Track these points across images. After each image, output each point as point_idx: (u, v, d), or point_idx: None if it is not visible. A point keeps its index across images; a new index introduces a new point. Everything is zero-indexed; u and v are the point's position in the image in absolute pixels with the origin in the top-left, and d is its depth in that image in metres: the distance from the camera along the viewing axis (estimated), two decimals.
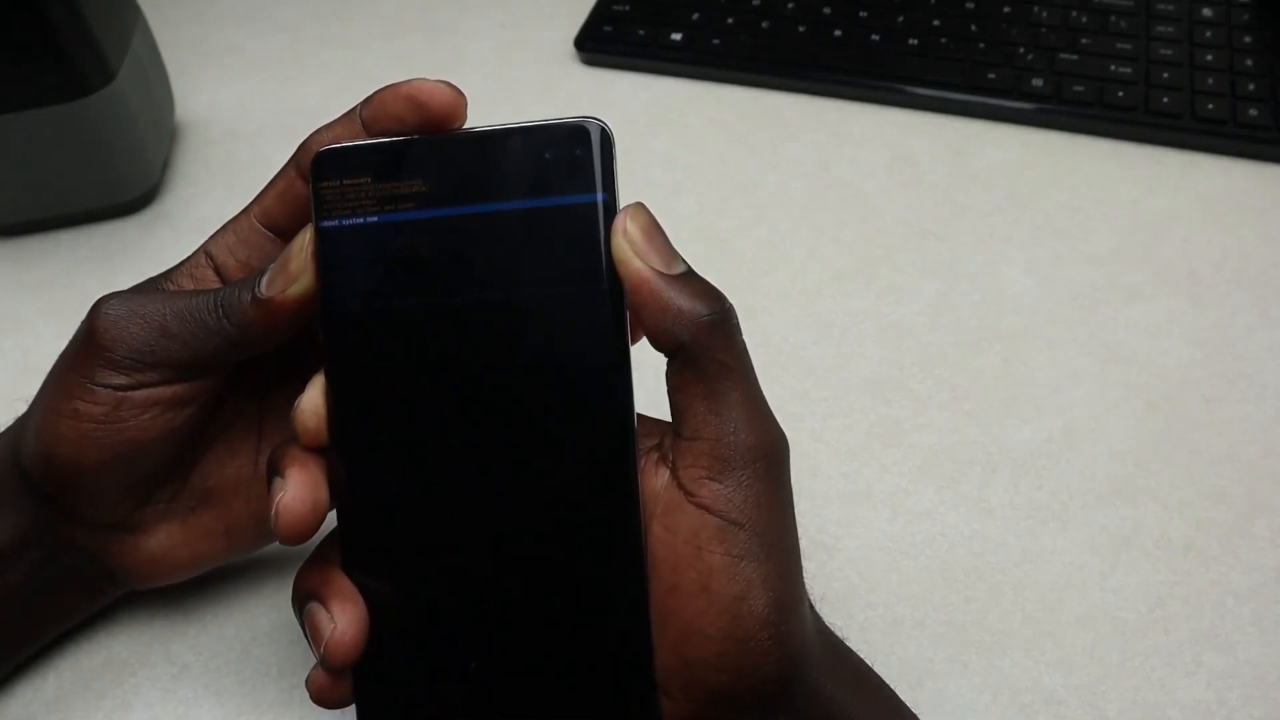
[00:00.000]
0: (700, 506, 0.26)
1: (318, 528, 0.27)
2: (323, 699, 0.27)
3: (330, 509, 0.27)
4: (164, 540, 0.31)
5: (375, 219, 0.26)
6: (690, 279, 0.27)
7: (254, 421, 0.32)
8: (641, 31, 0.58)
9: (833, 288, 0.47)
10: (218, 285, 0.30)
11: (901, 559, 0.38)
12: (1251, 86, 0.53)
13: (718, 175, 0.52)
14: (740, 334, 0.27)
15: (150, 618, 0.36)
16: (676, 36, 0.57)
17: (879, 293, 0.46)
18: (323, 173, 0.27)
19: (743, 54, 0.56)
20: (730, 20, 0.58)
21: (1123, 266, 0.47)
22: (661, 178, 0.52)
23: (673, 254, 0.27)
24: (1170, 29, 0.57)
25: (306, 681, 0.27)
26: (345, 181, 0.27)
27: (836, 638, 0.30)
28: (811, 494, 0.39)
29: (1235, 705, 0.34)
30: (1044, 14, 0.58)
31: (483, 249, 0.26)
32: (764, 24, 0.58)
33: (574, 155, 0.26)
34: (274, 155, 0.53)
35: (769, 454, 0.26)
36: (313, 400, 0.27)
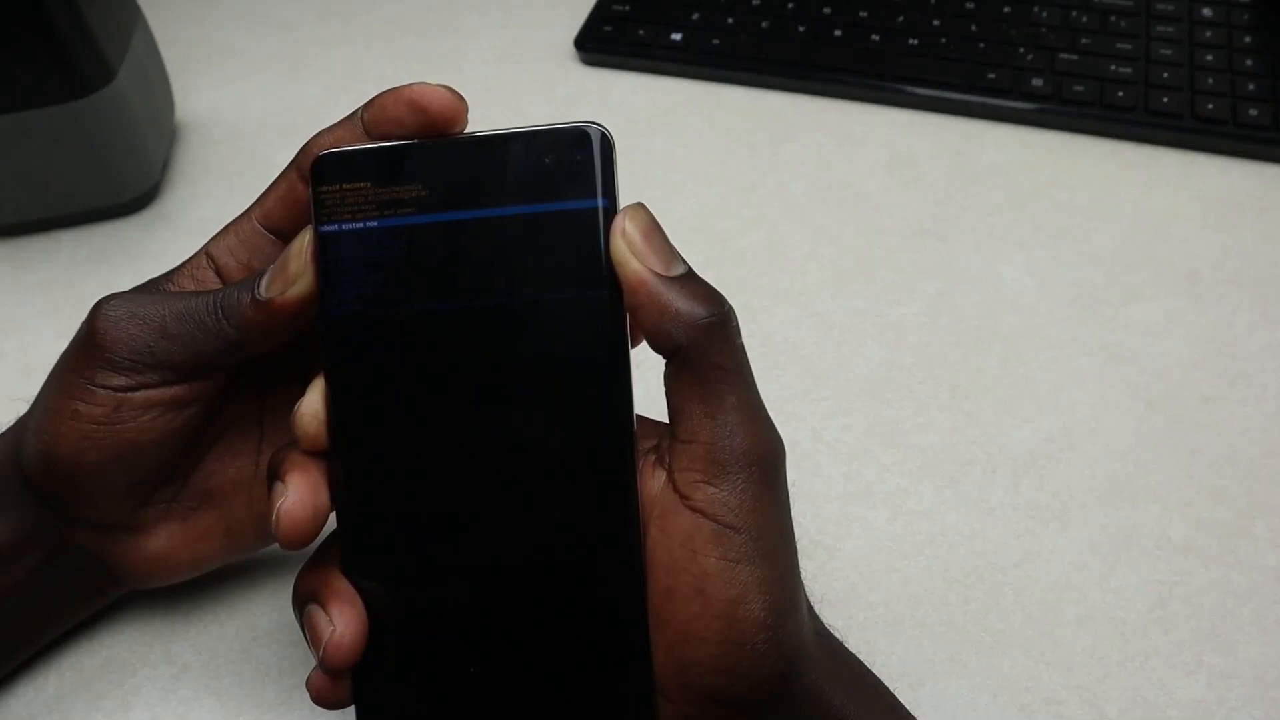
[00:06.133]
0: (695, 510, 0.26)
1: (318, 533, 0.27)
2: (323, 700, 0.27)
3: (331, 513, 0.27)
4: (164, 540, 0.31)
5: (375, 224, 0.26)
6: (689, 280, 0.26)
7: (255, 422, 0.32)
8: (641, 31, 0.58)
9: (833, 288, 0.47)
10: (218, 286, 0.30)
11: (901, 559, 0.38)
12: (1251, 86, 0.53)
13: (718, 175, 0.52)
14: (739, 337, 0.27)
15: (151, 618, 0.36)
16: (676, 36, 0.57)
17: (879, 293, 0.46)
18: (322, 177, 0.27)
19: (743, 54, 0.56)
20: (730, 20, 0.58)
21: (1123, 266, 0.47)
22: (661, 178, 0.52)
23: (672, 255, 0.26)
24: (1170, 29, 0.57)
25: (307, 682, 0.27)
26: (345, 186, 0.26)
27: (835, 640, 0.30)
28: (811, 494, 0.39)
29: (1235, 705, 0.34)
30: (1044, 14, 0.58)
31: (483, 254, 0.26)
32: (764, 24, 0.58)
33: (574, 160, 0.26)
34: (274, 155, 0.53)
35: (764, 458, 0.26)
36: (312, 404, 0.27)
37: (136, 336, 0.28)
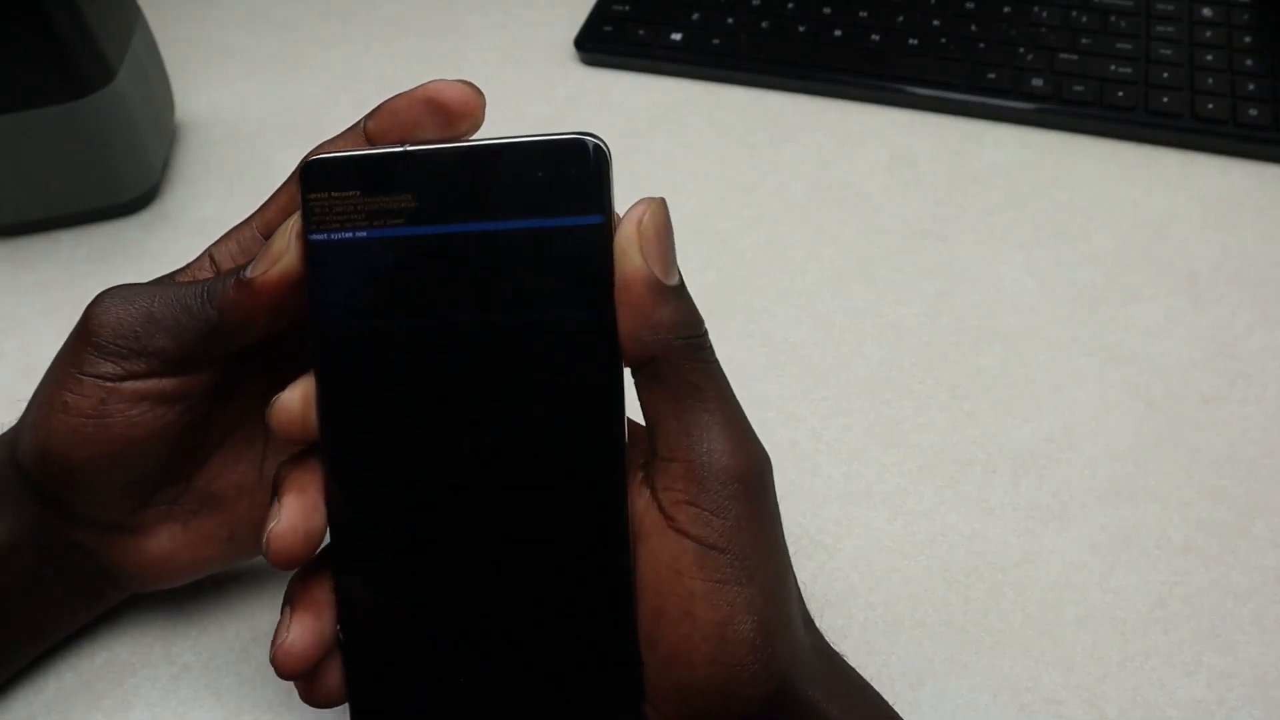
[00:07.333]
0: (679, 531, 0.26)
1: (311, 554, 0.27)
2: (304, 698, 0.28)
3: (325, 532, 0.27)
4: (165, 543, 0.31)
5: (364, 234, 0.26)
6: (680, 295, 0.26)
7: (259, 429, 0.32)
8: (641, 31, 0.58)
9: (833, 288, 0.47)
10: None
11: (901, 559, 0.38)
12: (1251, 86, 0.53)
13: (718, 175, 0.52)
14: (714, 358, 0.27)
15: (151, 618, 0.36)
16: (676, 36, 0.57)
17: (879, 293, 0.46)
18: (311, 183, 0.26)
19: (743, 54, 0.56)
20: (730, 20, 0.58)
21: (1123, 266, 0.47)
22: (661, 178, 0.52)
23: (673, 263, 0.26)
24: (1170, 29, 0.57)
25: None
26: (334, 194, 0.26)
27: (835, 653, 0.29)
28: (811, 494, 0.39)
29: (1235, 705, 0.34)
30: (1044, 14, 0.58)
31: (474, 268, 0.26)
32: (764, 24, 0.58)
33: (569, 174, 0.25)
34: (274, 155, 0.53)
35: (747, 475, 0.26)
36: (287, 399, 0.27)
37: (123, 320, 0.28)
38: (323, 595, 0.27)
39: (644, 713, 0.27)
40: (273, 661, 0.27)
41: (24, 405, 0.31)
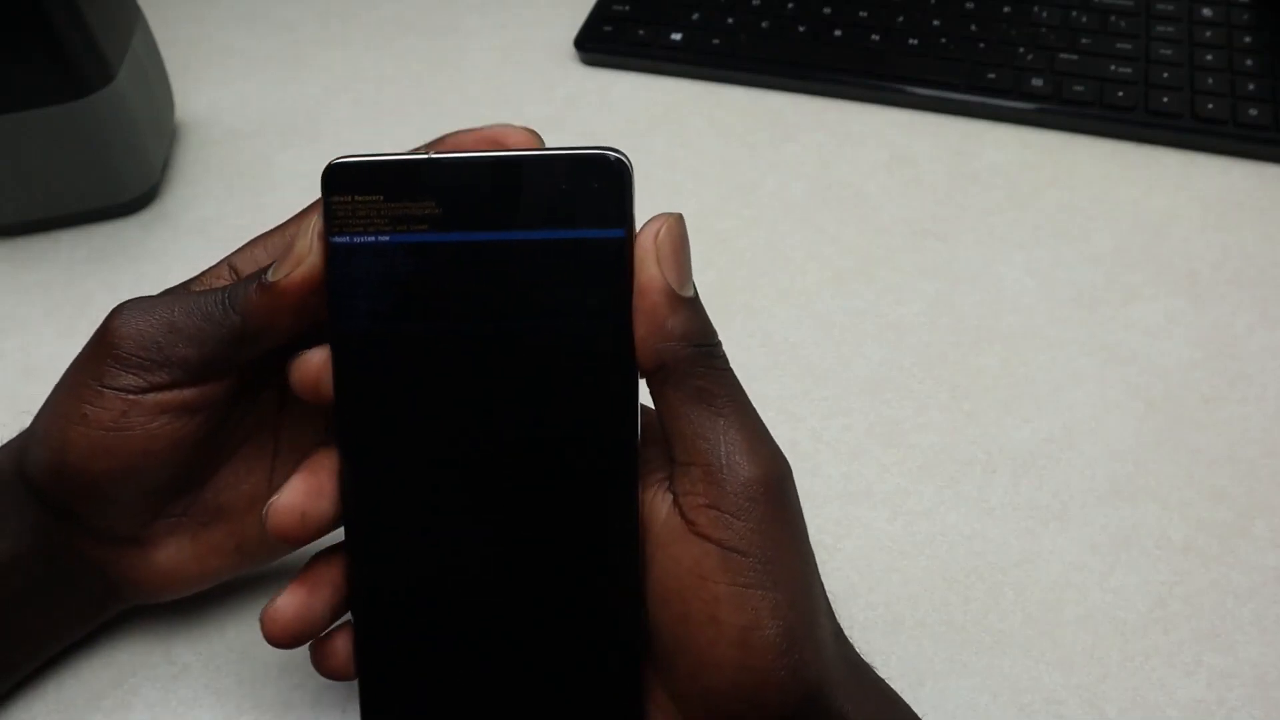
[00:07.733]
0: (700, 535, 0.26)
1: (308, 538, 0.28)
2: (314, 665, 0.29)
3: (328, 522, 0.28)
4: (173, 554, 0.31)
5: (386, 238, 0.26)
6: (694, 306, 0.26)
7: (270, 439, 0.32)
8: (641, 31, 0.58)
9: (833, 288, 0.47)
10: None
11: (901, 559, 0.38)
12: (1251, 86, 0.53)
13: (718, 175, 0.52)
14: (727, 366, 0.27)
15: (151, 618, 0.36)
16: (676, 36, 0.57)
17: (879, 293, 0.46)
18: (334, 186, 0.26)
19: (743, 54, 0.56)
20: (730, 20, 0.58)
21: (1123, 266, 0.47)
22: (661, 178, 0.52)
23: (688, 277, 0.26)
24: (1170, 29, 0.57)
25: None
26: (357, 197, 0.26)
27: (865, 664, 0.29)
28: (811, 494, 0.39)
29: (1235, 705, 0.34)
30: (1044, 14, 0.58)
31: (494, 276, 0.26)
32: (764, 24, 0.58)
33: (592, 188, 0.26)
34: (274, 155, 0.53)
35: (768, 478, 0.26)
36: (309, 357, 0.27)
37: (144, 331, 0.28)
38: (326, 576, 0.28)
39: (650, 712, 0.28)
40: (260, 621, 0.28)
41: (26, 410, 0.31)
